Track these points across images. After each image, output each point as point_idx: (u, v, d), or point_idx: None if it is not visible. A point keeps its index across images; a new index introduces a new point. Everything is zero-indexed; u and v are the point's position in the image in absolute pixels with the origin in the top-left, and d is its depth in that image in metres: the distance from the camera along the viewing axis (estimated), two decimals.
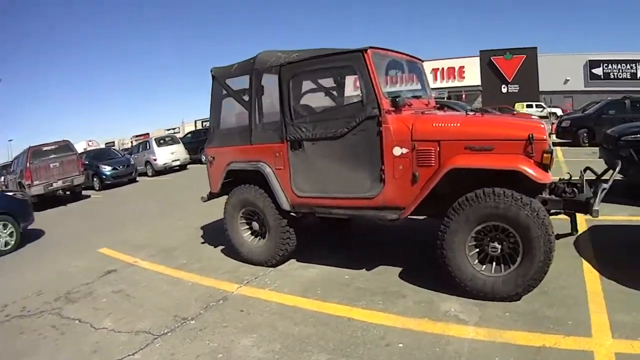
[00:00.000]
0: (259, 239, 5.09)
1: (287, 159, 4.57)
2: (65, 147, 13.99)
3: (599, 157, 7.97)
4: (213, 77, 5.29)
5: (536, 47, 38.78)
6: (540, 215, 3.26)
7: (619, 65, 37.18)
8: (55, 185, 13.49)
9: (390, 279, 4.28)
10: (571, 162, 10.89)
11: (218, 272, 5.08)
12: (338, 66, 4.31)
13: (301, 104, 4.71)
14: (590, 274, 3.96)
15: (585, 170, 4.42)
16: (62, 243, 8.21)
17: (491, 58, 38.88)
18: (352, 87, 4.91)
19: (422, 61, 5.30)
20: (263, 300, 4.12)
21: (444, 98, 36.13)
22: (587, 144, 14.54)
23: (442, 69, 39.49)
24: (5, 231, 8.03)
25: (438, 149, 3.71)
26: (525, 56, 38.76)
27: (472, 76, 39.04)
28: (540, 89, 37.64)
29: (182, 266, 5.50)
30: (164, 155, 19.61)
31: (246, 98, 4.91)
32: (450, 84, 39.40)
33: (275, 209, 4.69)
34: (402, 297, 3.87)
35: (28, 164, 12.96)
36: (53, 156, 13.63)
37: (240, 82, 4.96)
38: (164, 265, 5.68)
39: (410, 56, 5.04)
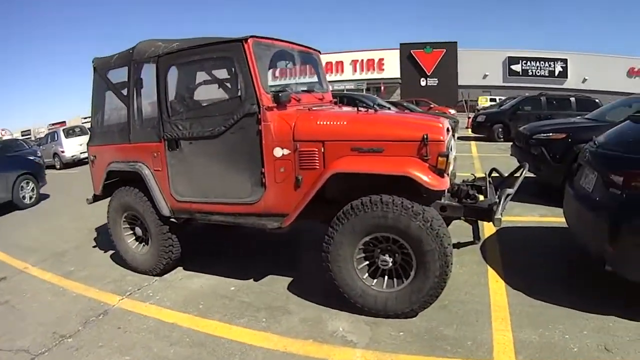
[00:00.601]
0: (143, 245, 4.82)
1: (165, 160, 4.25)
2: None
3: (511, 155, 8.29)
4: (94, 68, 4.90)
5: (456, 42, 40.37)
6: (435, 226, 3.07)
7: (538, 62, 39.49)
8: None
9: (277, 291, 4.14)
10: (485, 158, 11.62)
11: (104, 281, 4.85)
12: (217, 57, 3.98)
13: (178, 99, 4.34)
14: (496, 284, 3.89)
15: (491, 172, 4.44)
16: None
17: (411, 51, 39.96)
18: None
19: (319, 52, 5.08)
20: (142, 315, 3.91)
21: (362, 90, 36.74)
22: (502, 139, 15.23)
23: (362, 60, 40.13)
24: (28, 188, 10.13)
25: (322, 150, 3.48)
26: (445, 50, 40.21)
27: (392, 69, 39.97)
28: (459, 83, 39.13)
29: (70, 274, 5.22)
30: (72, 147, 18.56)
31: (125, 92, 4.56)
32: (370, 75, 40.18)
33: (156, 214, 4.39)
34: (288, 313, 3.70)
35: None
36: None
37: (121, 75, 4.60)
38: (52, 272, 5.32)
39: (305, 47, 4.80)
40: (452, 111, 24.35)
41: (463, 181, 4.19)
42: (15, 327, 4.01)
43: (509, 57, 39.57)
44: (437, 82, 39.85)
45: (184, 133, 4.06)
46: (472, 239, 4.18)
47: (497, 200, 3.44)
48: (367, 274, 3.42)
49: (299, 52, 4.67)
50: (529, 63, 39.53)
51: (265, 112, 3.58)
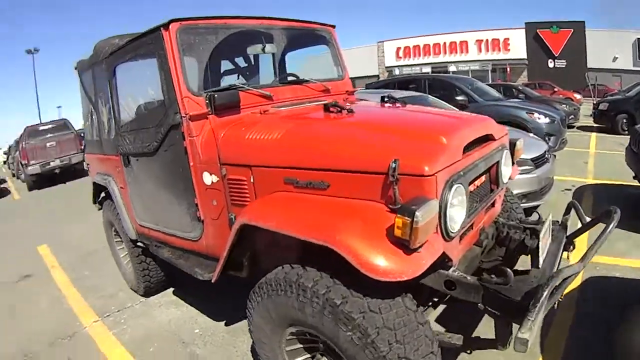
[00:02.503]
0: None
1: (124, 177, 3.63)
2: (62, 125, 14.09)
3: (627, 163, 5.88)
4: (76, 70, 4.36)
5: (584, 21, 35.01)
6: (381, 348, 1.73)
7: None
8: (52, 164, 13.58)
9: (239, 347, 3.28)
10: (602, 156, 9.27)
11: (99, 293, 4.64)
12: (145, 53, 2.95)
13: (124, 107, 3.50)
14: None
15: (568, 209, 2.81)
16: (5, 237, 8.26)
17: (537, 31, 35.55)
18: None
19: (333, 27, 3.75)
20: (95, 349, 3.57)
21: (487, 71, 33.85)
22: (627, 132, 12.48)
23: (487, 40, 36.58)
24: None
25: (251, 179, 2.46)
26: (572, 30, 35.05)
27: (518, 49, 36.05)
28: (588, 66, 34.15)
29: (80, 279, 5.17)
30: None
31: (93, 98, 4.00)
32: (495, 56, 36.50)
33: (128, 234, 3.84)
34: None
35: (23, 144, 13.16)
36: (50, 135, 13.74)
37: (88, 78, 4.03)
38: (68, 274, 5.43)
39: (298, 21, 3.49)
40: (578, 96, 21.04)
41: (520, 221, 2.78)
42: (3, 333, 4.13)
43: (638, 38, 33.58)
44: (565, 63, 35.25)
45: (129, 148, 3.34)
46: None
47: (545, 287, 1.80)
48: None
49: (283, 31, 3.33)
50: None
51: (189, 123, 2.59)
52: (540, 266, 2.23)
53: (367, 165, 1.97)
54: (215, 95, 2.61)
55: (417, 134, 2.12)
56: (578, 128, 13.60)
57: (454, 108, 6.52)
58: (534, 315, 1.74)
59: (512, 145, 2.85)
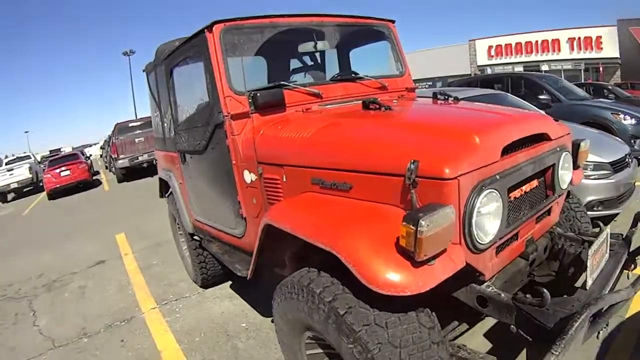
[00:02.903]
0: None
1: (182, 173, 3.76)
2: (150, 123, 14.88)
3: None
4: (144, 72, 4.53)
5: None
6: (393, 359, 1.57)
7: None
8: (140, 158, 14.54)
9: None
10: None
11: (162, 282, 4.87)
12: (193, 54, 3.04)
13: (181, 107, 3.63)
14: None
15: (635, 222, 2.44)
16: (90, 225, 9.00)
17: (630, 28, 32.36)
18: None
19: (392, 22, 3.58)
20: (147, 334, 3.72)
21: (580, 70, 31.40)
22: None
23: (579, 38, 33.81)
24: None
25: (284, 179, 2.41)
26: None
27: (610, 47, 33.07)
28: None
29: (148, 267, 5.46)
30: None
31: (157, 97, 4.15)
32: (587, 55, 33.54)
33: (186, 228, 3.98)
34: None
35: (114, 139, 14.17)
36: (138, 132, 14.69)
37: (152, 79, 4.20)
38: (138, 262, 5.75)
39: (352, 17, 3.31)
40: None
41: (579, 233, 2.56)
42: (67, 316, 4.44)
43: None
44: None
45: (185, 145, 3.46)
46: None
47: (577, 317, 1.60)
48: None
49: (336, 27, 3.28)
50: None
51: (231, 122, 2.61)
52: (588, 287, 1.91)
53: (388, 167, 1.81)
54: (258, 94, 2.60)
55: (447, 132, 1.91)
56: None
57: (535, 107, 6.07)
58: (559, 349, 1.49)
59: (576, 147, 2.53)
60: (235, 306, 4.00)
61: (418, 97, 3.45)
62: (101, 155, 22.20)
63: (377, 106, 2.52)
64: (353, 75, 3.20)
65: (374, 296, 1.58)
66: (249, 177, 2.65)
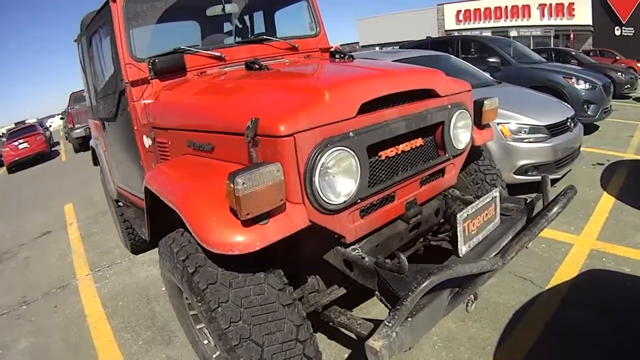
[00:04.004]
0: None
1: (104, 140, 3.79)
2: None
3: None
4: (75, 42, 4.40)
5: None
6: (235, 319, 1.58)
7: None
8: None
9: None
10: None
11: (99, 249, 4.90)
12: (103, 23, 2.97)
13: (99, 75, 3.53)
14: None
15: (544, 188, 2.18)
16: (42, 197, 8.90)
17: None
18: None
19: None
20: (78, 301, 3.77)
21: (550, 37, 31.50)
22: None
23: (550, 4, 33.85)
24: None
25: (170, 143, 2.41)
26: None
27: (583, 14, 33.13)
28: None
29: (88, 236, 5.47)
30: None
31: (83, 67, 4.09)
32: (558, 21, 33.52)
33: (110, 194, 4.05)
34: (171, 341, 2.92)
35: (69, 109, 13.77)
36: None
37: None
38: (80, 232, 5.75)
39: None
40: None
41: (477, 197, 2.36)
42: (9, 286, 4.50)
43: None
44: (633, 31, 32.03)
45: (102, 113, 3.45)
46: None
47: (415, 287, 1.45)
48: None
49: None
50: None
51: (131, 89, 2.59)
52: (461, 254, 1.85)
53: (236, 126, 1.74)
54: (156, 60, 2.58)
55: (299, 89, 1.91)
56: (635, 99, 12.27)
57: (480, 71, 6.05)
58: (392, 321, 1.37)
59: (479, 105, 2.47)
60: (159, 270, 4.04)
61: (337, 56, 3.36)
62: (63, 126, 21.61)
63: (258, 67, 2.52)
64: (259, 37, 3.16)
65: (225, 256, 1.57)
66: (147, 142, 2.64)
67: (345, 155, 1.66)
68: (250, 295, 1.60)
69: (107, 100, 3.18)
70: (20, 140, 14.91)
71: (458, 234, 1.82)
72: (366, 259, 1.83)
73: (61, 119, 21.04)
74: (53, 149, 18.13)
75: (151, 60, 2.59)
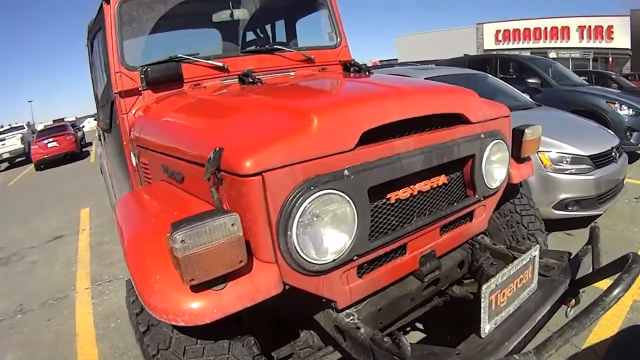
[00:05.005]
0: None
1: (105, 151, 3.58)
2: None
3: None
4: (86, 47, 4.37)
5: None
6: None
7: None
8: None
9: None
10: None
11: (106, 260, 4.71)
12: (99, 27, 2.71)
13: (99, 81, 3.26)
14: None
15: (591, 237, 1.77)
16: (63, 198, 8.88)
17: None
18: None
19: None
20: (71, 316, 3.57)
21: (589, 60, 30.56)
22: None
23: (589, 27, 32.81)
24: None
25: (149, 165, 2.17)
26: None
27: (621, 38, 32.03)
28: None
29: (99, 245, 5.30)
30: None
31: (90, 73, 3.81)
32: (597, 44, 32.56)
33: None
34: None
35: None
36: None
37: None
38: (91, 239, 5.61)
39: None
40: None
41: (509, 248, 1.93)
42: (10, 291, 4.37)
43: None
44: None
45: (101, 124, 3.26)
46: None
47: None
48: None
49: None
50: None
51: (120, 100, 2.33)
52: (483, 334, 1.39)
53: (203, 155, 1.36)
54: (148, 69, 2.32)
55: (284, 111, 1.49)
56: None
57: (519, 92, 5.64)
58: None
59: (519, 134, 2.04)
60: None
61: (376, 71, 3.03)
62: (96, 127, 21.95)
63: (251, 80, 2.20)
64: (269, 47, 2.86)
65: None
66: (134, 159, 2.36)
67: (337, 201, 1.30)
68: None
69: (104, 110, 2.93)
70: (50, 139, 15.15)
71: (482, 309, 1.37)
72: (362, 330, 1.43)
73: (94, 120, 21.35)
74: (84, 149, 18.47)
75: (143, 69, 2.33)
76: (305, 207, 1.23)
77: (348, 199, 1.30)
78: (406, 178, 1.50)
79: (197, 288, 1.17)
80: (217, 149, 1.26)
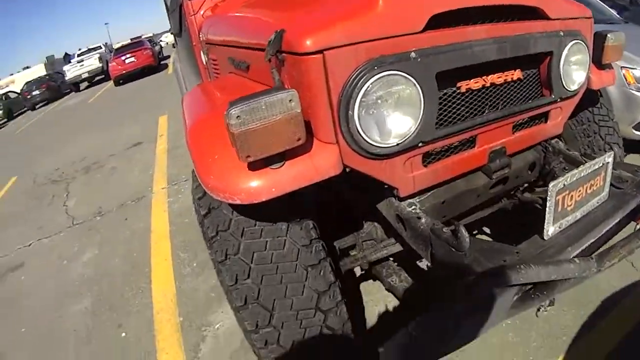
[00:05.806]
0: None
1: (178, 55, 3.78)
2: None
3: None
4: None
5: None
6: (241, 276, 1.31)
7: None
8: None
9: None
10: None
11: (184, 162, 4.69)
12: None
13: None
14: None
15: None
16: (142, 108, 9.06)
17: None
18: None
19: None
20: (147, 214, 3.66)
21: None
22: None
23: None
24: None
25: (218, 59, 2.19)
26: None
27: None
28: None
29: (174, 149, 5.34)
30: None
31: None
32: None
33: None
34: None
35: None
36: None
37: None
38: (167, 144, 5.67)
39: None
40: None
41: (583, 155, 1.80)
42: (94, 196, 4.55)
43: None
44: None
45: (172, 29, 3.50)
46: None
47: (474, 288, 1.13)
48: None
49: None
50: None
51: (188, 3, 2.52)
52: (547, 236, 1.28)
53: (264, 41, 1.28)
54: None
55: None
56: None
57: (605, 5, 4.69)
58: (418, 329, 1.04)
59: (601, 39, 1.82)
60: None
61: None
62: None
63: None
64: None
65: None
66: (203, 58, 2.42)
67: (402, 83, 1.19)
68: (265, 250, 1.27)
69: (173, 16, 3.01)
70: (127, 55, 15.44)
71: (547, 209, 1.25)
72: (423, 220, 1.36)
73: (171, 33, 21.56)
74: (162, 62, 18.84)
75: None
76: (368, 87, 1.14)
77: (414, 81, 1.20)
78: (478, 68, 1.37)
79: (254, 167, 1.13)
80: (279, 30, 1.21)
